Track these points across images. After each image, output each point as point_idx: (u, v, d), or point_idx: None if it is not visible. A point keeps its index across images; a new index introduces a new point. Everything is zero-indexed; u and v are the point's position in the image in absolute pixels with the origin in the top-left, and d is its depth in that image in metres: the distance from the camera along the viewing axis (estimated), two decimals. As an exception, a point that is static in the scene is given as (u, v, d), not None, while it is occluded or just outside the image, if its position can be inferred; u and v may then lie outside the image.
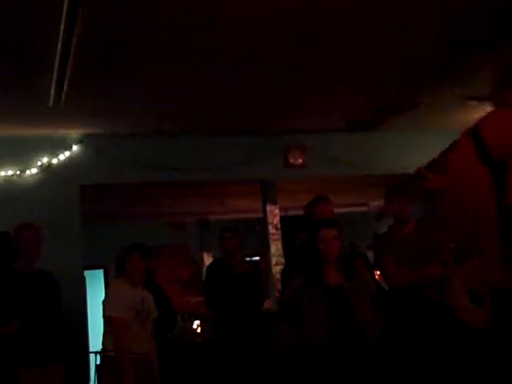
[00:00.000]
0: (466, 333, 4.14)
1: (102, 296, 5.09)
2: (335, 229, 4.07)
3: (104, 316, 4.80)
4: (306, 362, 3.88)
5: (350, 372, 3.80)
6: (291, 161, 7.92)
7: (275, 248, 7.97)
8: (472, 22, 4.79)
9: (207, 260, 12.38)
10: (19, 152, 7.11)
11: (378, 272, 5.58)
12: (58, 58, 4.78)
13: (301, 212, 5.54)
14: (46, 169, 7.16)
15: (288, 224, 8.85)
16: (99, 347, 5.07)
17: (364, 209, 12.11)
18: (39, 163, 7.13)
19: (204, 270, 12.17)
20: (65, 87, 5.44)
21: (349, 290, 3.95)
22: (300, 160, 7.94)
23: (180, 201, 10.13)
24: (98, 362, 5.81)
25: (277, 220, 8.07)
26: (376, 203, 11.72)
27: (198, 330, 8.77)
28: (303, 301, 3.94)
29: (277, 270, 7.73)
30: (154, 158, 7.41)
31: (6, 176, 7.03)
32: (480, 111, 7.35)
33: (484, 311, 3.79)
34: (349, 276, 4.01)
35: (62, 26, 4.25)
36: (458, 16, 4.67)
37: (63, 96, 5.64)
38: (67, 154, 7.24)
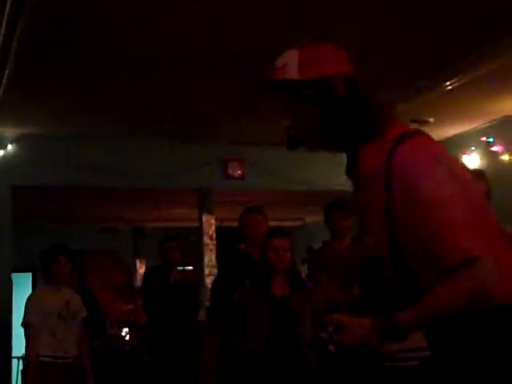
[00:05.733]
0: None
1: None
2: (287, 239, 3.91)
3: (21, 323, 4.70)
4: (247, 372, 3.77)
5: None
6: (230, 172, 7.95)
7: (209, 258, 7.93)
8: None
9: (140, 267, 12.24)
10: (-49, 149, 6.90)
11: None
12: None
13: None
14: (-21, 167, 6.97)
15: (224, 235, 8.84)
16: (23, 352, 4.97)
17: (300, 223, 12.24)
18: (-28, 161, 6.94)
19: (137, 277, 12.15)
20: (1, 86, 5.33)
21: (292, 302, 3.79)
22: (239, 172, 7.97)
23: (114, 206, 10.00)
24: (22, 368, 5.67)
25: (212, 230, 8.03)
26: (312, 218, 11.89)
27: (127, 338, 8.66)
28: (247, 310, 3.80)
29: (209, 280, 7.64)
30: (90, 161, 7.26)
31: None
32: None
33: None
34: (295, 288, 3.86)
35: (4, 24, 4.17)
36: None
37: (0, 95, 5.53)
38: (1, 152, 7.06)
